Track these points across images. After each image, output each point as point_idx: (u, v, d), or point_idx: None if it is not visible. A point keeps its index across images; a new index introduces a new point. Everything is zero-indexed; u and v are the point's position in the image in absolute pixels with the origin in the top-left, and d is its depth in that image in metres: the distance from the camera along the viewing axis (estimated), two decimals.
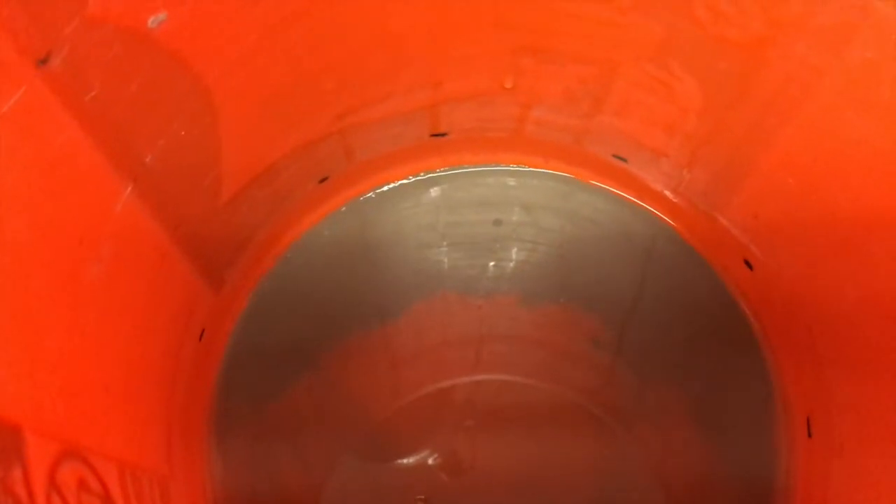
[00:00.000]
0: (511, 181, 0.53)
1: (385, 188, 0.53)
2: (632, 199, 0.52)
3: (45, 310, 0.31)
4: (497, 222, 0.53)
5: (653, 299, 0.51)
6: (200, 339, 0.46)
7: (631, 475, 0.48)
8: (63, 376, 0.32)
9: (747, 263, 0.48)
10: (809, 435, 0.46)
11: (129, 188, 0.35)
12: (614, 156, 0.50)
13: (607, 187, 0.52)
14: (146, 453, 0.39)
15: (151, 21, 0.32)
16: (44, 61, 0.29)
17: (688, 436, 0.49)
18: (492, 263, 0.52)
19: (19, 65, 0.28)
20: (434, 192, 0.53)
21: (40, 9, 0.28)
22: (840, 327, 0.43)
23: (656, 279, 0.51)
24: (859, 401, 0.43)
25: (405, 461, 0.48)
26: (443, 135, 0.51)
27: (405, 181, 0.53)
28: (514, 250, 0.52)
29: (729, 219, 0.48)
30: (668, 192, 0.50)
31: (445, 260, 0.52)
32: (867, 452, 0.42)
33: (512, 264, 0.52)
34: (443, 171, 0.53)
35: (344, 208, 0.52)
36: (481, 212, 0.53)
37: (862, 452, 0.42)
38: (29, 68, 0.28)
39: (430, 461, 0.48)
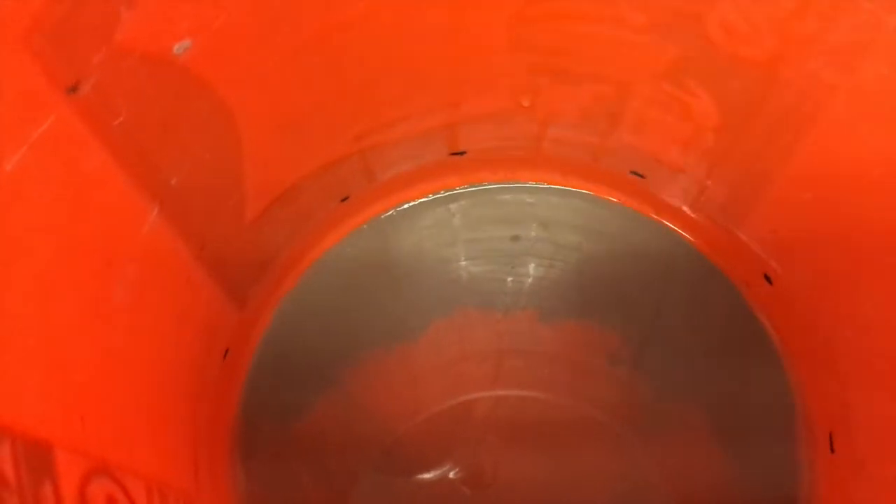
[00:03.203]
0: (529, 198, 0.53)
1: (405, 206, 0.53)
2: (650, 215, 0.52)
3: (73, 330, 0.32)
4: (515, 238, 0.53)
5: (672, 315, 0.51)
6: (225, 358, 0.47)
7: (650, 491, 0.48)
8: (91, 395, 0.32)
9: (767, 278, 0.48)
10: (832, 450, 0.46)
11: (156, 210, 0.36)
12: (632, 172, 0.51)
13: (625, 204, 0.53)
14: (173, 471, 0.39)
15: (176, 48, 0.33)
16: (73, 89, 0.30)
17: (708, 451, 0.48)
18: (510, 279, 0.52)
19: (49, 93, 0.29)
20: (453, 209, 0.53)
21: (69, 39, 0.29)
22: (861, 342, 0.43)
23: (675, 295, 0.51)
24: (882, 416, 0.42)
25: (427, 476, 0.48)
26: (461, 153, 0.51)
27: (425, 199, 0.53)
28: (533, 266, 0.53)
29: (748, 234, 0.48)
30: (685, 208, 0.51)
31: (465, 276, 0.52)
32: (890, 467, 0.41)
33: (530, 280, 0.52)
34: (462, 189, 0.54)
35: (365, 227, 0.53)
36: (500, 228, 0.53)
37: (885, 468, 0.42)
38: (59, 96, 0.29)
39: (451, 475, 0.48)
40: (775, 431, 0.48)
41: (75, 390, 0.31)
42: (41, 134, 0.29)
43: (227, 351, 0.47)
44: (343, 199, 0.51)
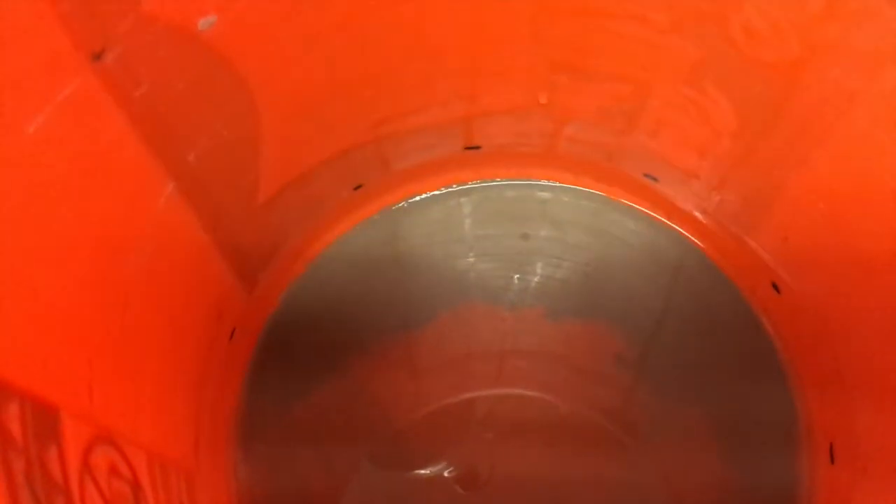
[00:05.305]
0: (541, 196, 0.54)
1: (417, 198, 0.53)
2: (661, 218, 0.52)
3: (85, 299, 0.32)
4: (525, 236, 0.53)
5: (678, 320, 0.51)
6: (231, 339, 0.47)
7: (649, 497, 0.48)
8: (100, 364, 0.33)
9: (774, 286, 0.48)
10: (832, 461, 0.46)
11: (172, 185, 0.36)
12: (645, 175, 0.51)
13: (637, 206, 0.53)
14: (175, 446, 0.39)
15: (201, 23, 0.33)
16: (98, 56, 0.30)
17: (708, 459, 0.48)
18: (518, 277, 0.52)
19: (75, 58, 0.29)
20: (465, 203, 0.53)
21: (97, 5, 0.29)
22: (867, 354, 0.43)
23: (682, 299, 0.51)
24: (884, 428, 0.42)
25: (423, 472, 0.48)
26: (476, 148, 0.51)
27: (437, 192, 0.53)
28: (541, 265, 0.53)
29: (758, 241, 0.48)
30: (697, 213, 0.51)
31: (473, 272, 0.52)
32: (890, 480, 0.41)
33: (538, 279, 0.52)
34: (474, 184, 0.54)
35: (376, 216, 0.53)
36: (510, 226, 0.53)
37: (885, 480, 0.42)
38: (84, 62, 0.29)
39: (446, 473, 0.48)
40: (776, 440, 0.48)
41: (85, 358, 0.31)
42: (64, 99, 0.29)
43: (233, 331, 0.47)
44: (356, 188, 0.51)
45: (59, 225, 0.30)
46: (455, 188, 0.54)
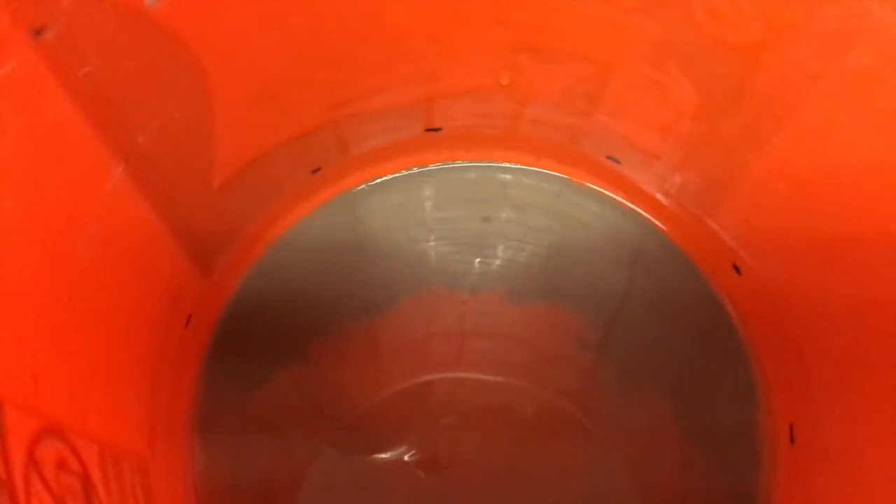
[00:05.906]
0: (503, 179, 0.53)
1: (377, 181, 0.52)
2: (623, 200, 0.52)
3: (28, 285, 0.31)
4: (487, 219, 0.52)
5: (640, 302, 0.51)
6: (187, 326, 0.46)
7: (609, 479, 0.48)
8: (46, 354, 0.31)
9: (736, 268, 0.49)
10: (792, 442, 0.46)
11: (121, 167, 0.35)
12: (608, 157, 0.50)
13: (599, 188, 0.52)
14: (128, 437, 0.38)
15: (148, 0, 0.32)
16: (38, 32, 0.29)
17: (669, 440, 0.49)
18: (479, 260, 0.52)
19: (13, 34, 0.28)
20: (426, 186, 0.53)
21: None
22: (827, 335, 0.43)
23: (644, 282, 0.51)
24: (843, 409, 0.43)
25: (384, 456, 0.48)
26: (437, 130, 0.51)
27: (397, 175, 0.53)
28: (502, 248, 0.52)
29: (719, 223, 0.48)
30: (659, 195, 0.51)
31: (434, 255, 0.52)
32: (849, 460, 0.42)
33: (499, 262, 0.52)
34: (435, 167, 0.53)
35: (335, 200, 0.52)
36: (472, 208, 0.53)
37: (844, 460, 0.42)
38: (23, 38, 0.28)
39: (407, 457, 0.48)
40: (737, 421, 0.49)
41: (30, 348, 0.30)
42: (2, 77, 0.27)
43: (189, 318, 0.46)
44: (314, 171, 0.50)
45: (1, 209, 0.29)
46: (416, 171, 0.53)
